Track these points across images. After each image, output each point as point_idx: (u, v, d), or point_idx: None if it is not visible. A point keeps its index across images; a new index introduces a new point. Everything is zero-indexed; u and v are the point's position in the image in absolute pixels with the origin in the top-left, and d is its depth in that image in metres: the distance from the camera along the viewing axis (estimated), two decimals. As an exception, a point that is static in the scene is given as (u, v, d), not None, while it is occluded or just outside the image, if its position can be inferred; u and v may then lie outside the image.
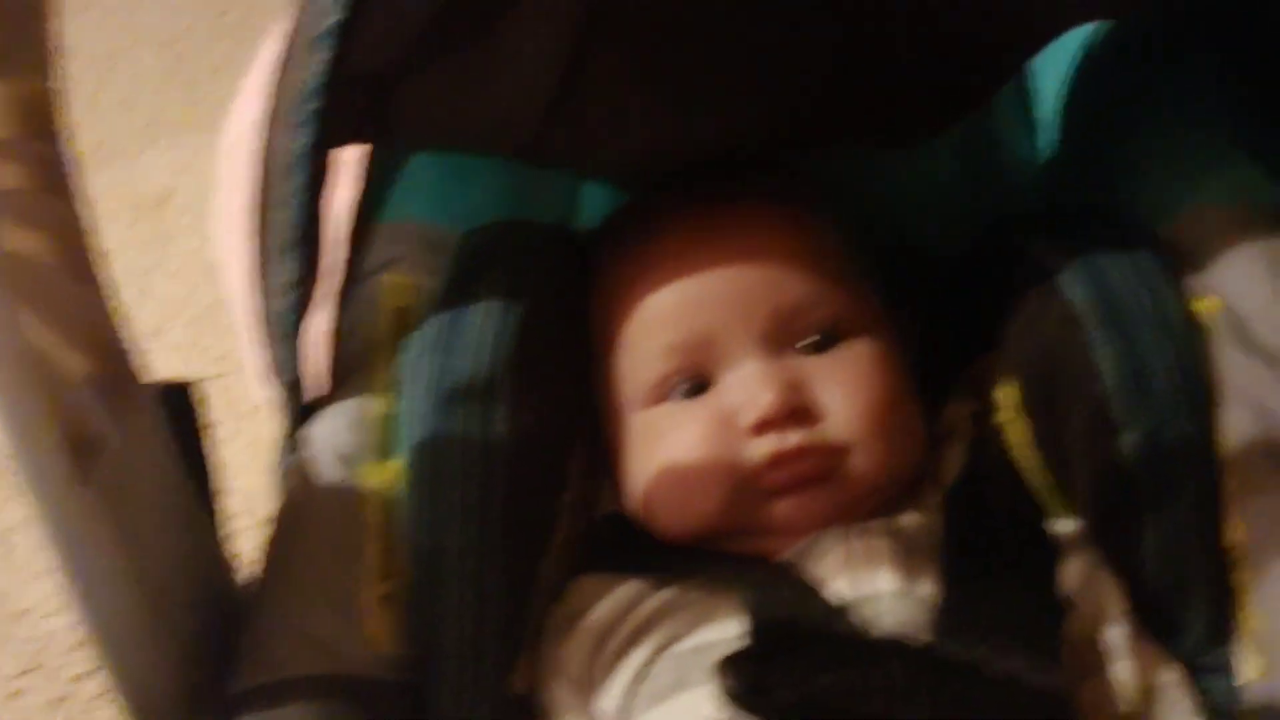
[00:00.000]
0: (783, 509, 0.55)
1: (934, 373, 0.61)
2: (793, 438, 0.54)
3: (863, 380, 0.56)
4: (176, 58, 1.71)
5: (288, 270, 0.54)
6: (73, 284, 0.46)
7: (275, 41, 1.08)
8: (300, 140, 0.51)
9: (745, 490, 0.55)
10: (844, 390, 0.55)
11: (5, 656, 0.93)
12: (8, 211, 0.41)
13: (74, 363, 0.46)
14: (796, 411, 0.55)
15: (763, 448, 0.55)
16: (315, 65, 0.50)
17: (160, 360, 1.23)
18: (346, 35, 0.49)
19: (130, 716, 0.51)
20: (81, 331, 0.47)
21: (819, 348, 0.57)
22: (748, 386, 0.55)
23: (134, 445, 0.49)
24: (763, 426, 0.54)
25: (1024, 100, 0.69)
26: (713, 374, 0.57)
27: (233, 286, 1.02)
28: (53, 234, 0.44)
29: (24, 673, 0.92)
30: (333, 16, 0.49)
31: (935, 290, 0.64)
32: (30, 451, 0.45)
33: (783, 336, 0.56)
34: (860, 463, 0.55)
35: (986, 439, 0.59)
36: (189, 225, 1.38)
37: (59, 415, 0.45)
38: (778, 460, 0.54)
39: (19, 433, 0.44)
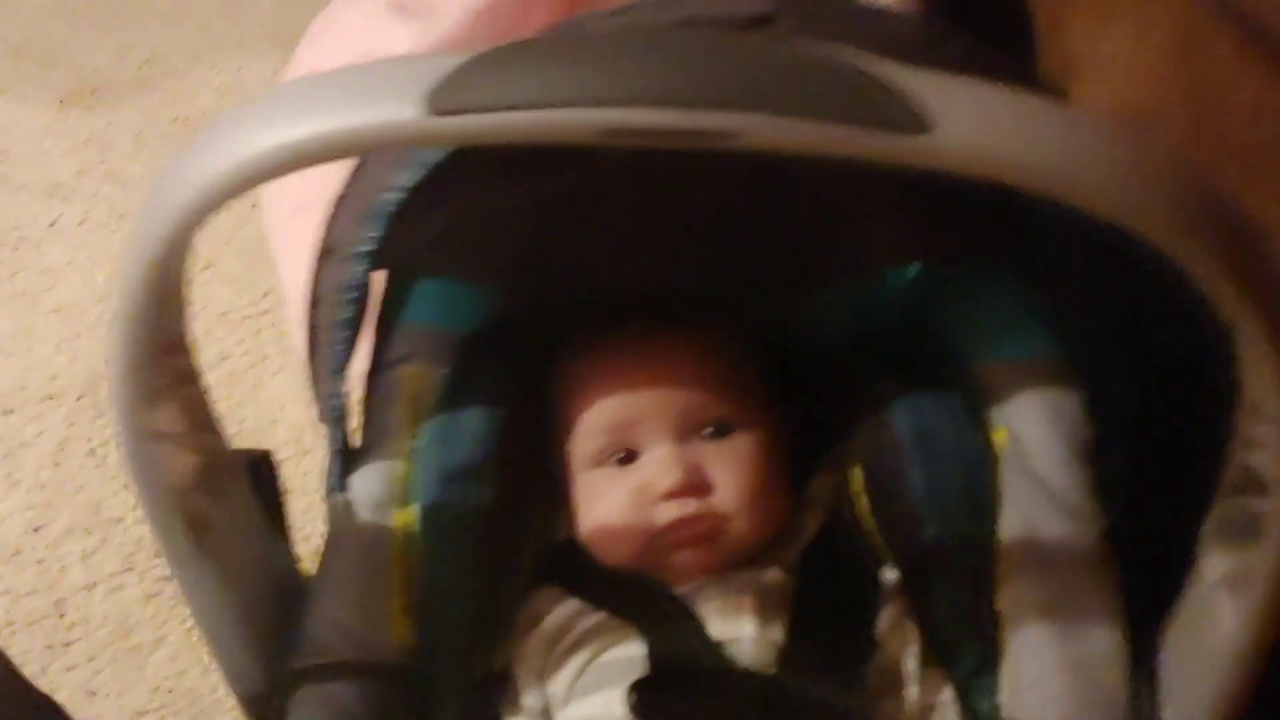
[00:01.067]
0: (681, 558, 0.77)
1: (810, 447, 0.83)
2: (690, 505, 0.76)
3: (744, 465, 0.77)
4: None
5: (340, 383, 0.76)
6: (196, 433, 0.67)
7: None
8: (345, 313, 0.74)
9: (655, 542, 0.77)
10: (730, 472, 0.77)
11: (105, 556, 1.14)
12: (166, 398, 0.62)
13: (187, 465, 0.68)
14: (694, 486, 0.76)
15: (669, 512, 0.76)
16: (354, 271, 0.71)
17: (214, 292, 1.39)
18: (374, 256, 0.70)
19: (229, 680, 0.76)
20: (192, 436, 0.68)
21: (715, 437, 0.78)
22: (660, 465, 0.77)
23: (231, 511, 0.70)
24: (669, 496, 0.76)
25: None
26: (637, 450, 0.78)
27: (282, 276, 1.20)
28: (191, 406, 0.65)
29: (123, 571, 1.13)
30: (366, 247, 0.69)
31: (817, 385, 0.85)
32: (163, 535, 0.66)
33: (688, 428, 0.78)
34: (738, 527, 0.77)
35: (840, 506, 0.81)
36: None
37: (180, 511, 0.67)
38: (679, 523, 0.76)
39: (155, 523, 0.66)
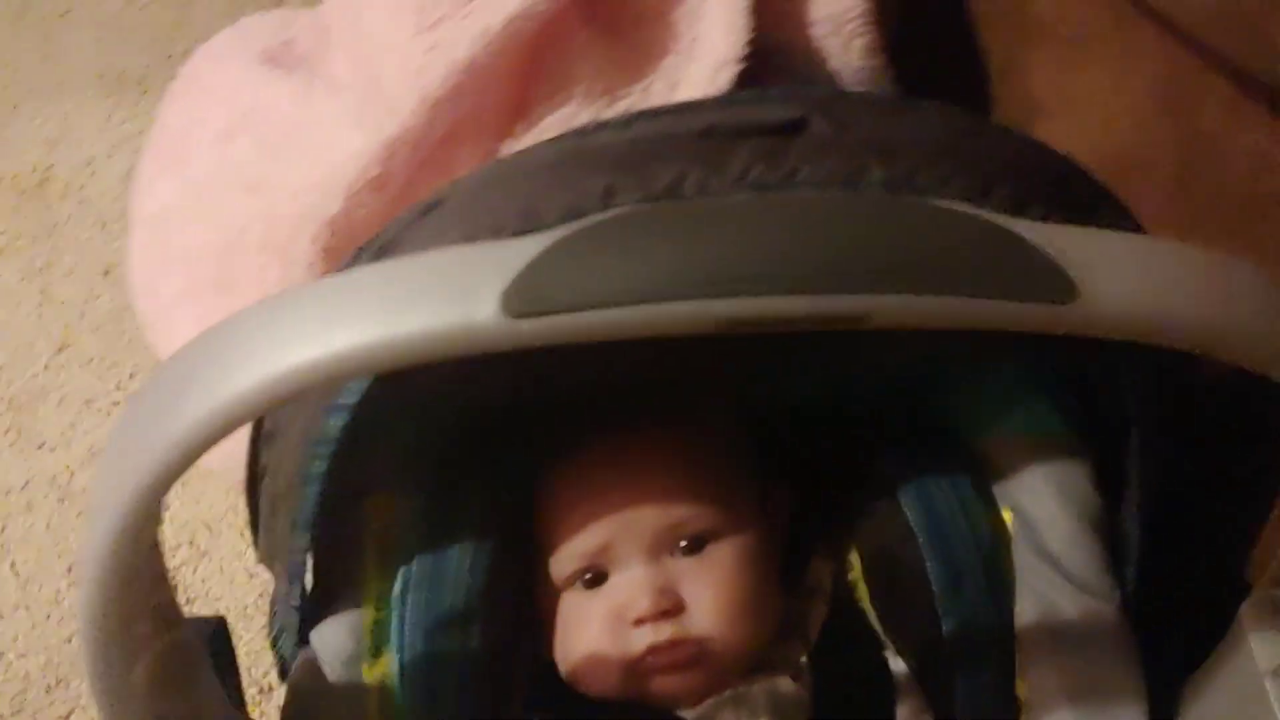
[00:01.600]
0: (663, 684, 0.71)
1: (804, 528, 0.78)
2: (665, 631, 0.70)
3: (723, 581, 0.71)
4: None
5: (303, 540, 0.67)
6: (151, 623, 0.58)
7: (176, 106, 1.11)
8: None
9: (634, 670, 0.71)
10: (707, 589, 0.71)
11: None
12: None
13: (154, 679, 0.59)
14: (667, 610, 0.70)
15: (643, 640, 0.70)
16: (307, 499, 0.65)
17: (74, 378, 1.27)
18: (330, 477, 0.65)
19: None
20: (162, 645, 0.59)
21: (690, 551, 0.72)
22: (631, 589, 0.71)
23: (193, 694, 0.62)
24: (641, 622, 0.70)
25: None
26: (609, 570, 0.72)
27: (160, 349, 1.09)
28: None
29: (12, 714, 1.01)
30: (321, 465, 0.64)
31: (808, 461, 0.80)
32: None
33: (662, 544, 0.72)
34: (720, 647, 0.71)
35: (841, 594, 0.77)
36: (76, 212, 1.37)
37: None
38: (653, 649, 0.70)
39: None
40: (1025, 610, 0.71)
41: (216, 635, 0.68)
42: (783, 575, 0.77)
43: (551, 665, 0.76)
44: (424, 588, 0.71)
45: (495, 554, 0.73)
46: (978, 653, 0.72)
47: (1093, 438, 0.73)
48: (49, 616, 1.07)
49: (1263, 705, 0.61)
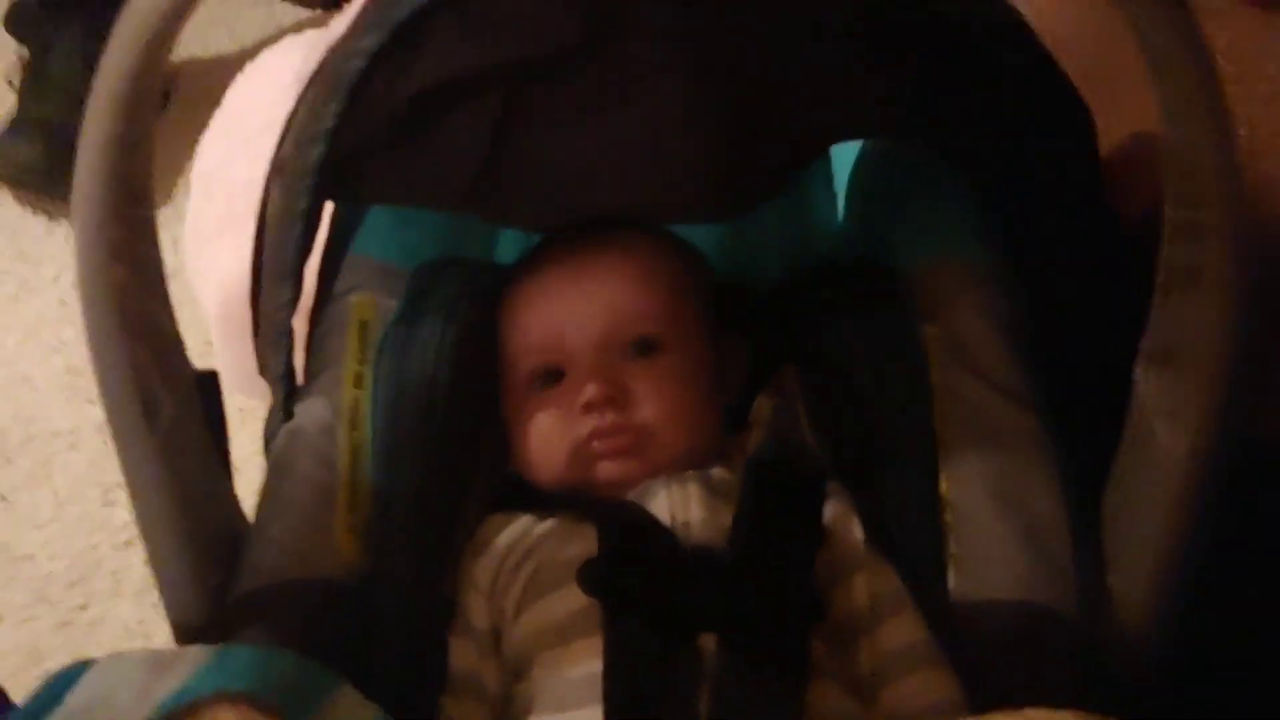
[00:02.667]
0: (606, 469, 0.77)
1: (753, 378, 0.85)
2: (609, 416, 0.76)
3: (667, 382, 0.77)
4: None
5: (287, 290, 0.76)
6: (150, 301, 0.67)
7: (242, 86, 1.26)
8: (301, 203, 0.74)
9: (580, 455, 0.77)
10: (651, 389, 0.77)
11: (15, 591, 1.11)
12: (120, 258, 0.62)
13: (143, 352, 0.67)
14: (613, 399, 0.76)
15: (588, 423, 0.76)
16: (314, 155, 0.72)
17: None
18: (336, 136, 0.72)
19: (168, 607, 0.73)
20: (150, 332, 0.68)
21: (639, 355, 0.78)
22: (581, 380, 0.77)
23: (181, 411, 0.70)
24: (588, 408, 0.76)
25: (828, 175, 0.94)
26: (564, 369, 0.78)
27: (207, 296, 1.20)
28: (141, 269, 0.66)
29: (35, 603, 1.10)
30: (328, 124, 0.71)
31: (757, 318, 0.87)
32: (118, 410, 0.66)
33: (612, 343, 0.78)
34: (660, 440, 0.76)
35: (783, 423, 0.83)
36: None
37: (137, 385, 0.66)
38: (597, 432, 0.76)
39: (112, 397, 0.66)
40: (949, 415, 0.77)
41: (207, 380, 0.75)
42: (732, 417, 0.83)
43: (507, 480, 0.82)
44: (395, 354, 0.79)
45: (460, 338, 0.80)
46: (901, 451, 0.78)
47: (1013, 261, 0.80)
48: (77, 530, 1.16)
49: (1149, 450, 0.66)
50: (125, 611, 1.09)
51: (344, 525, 0.76)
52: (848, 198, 0.91)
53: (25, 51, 1.63)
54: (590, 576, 0.70)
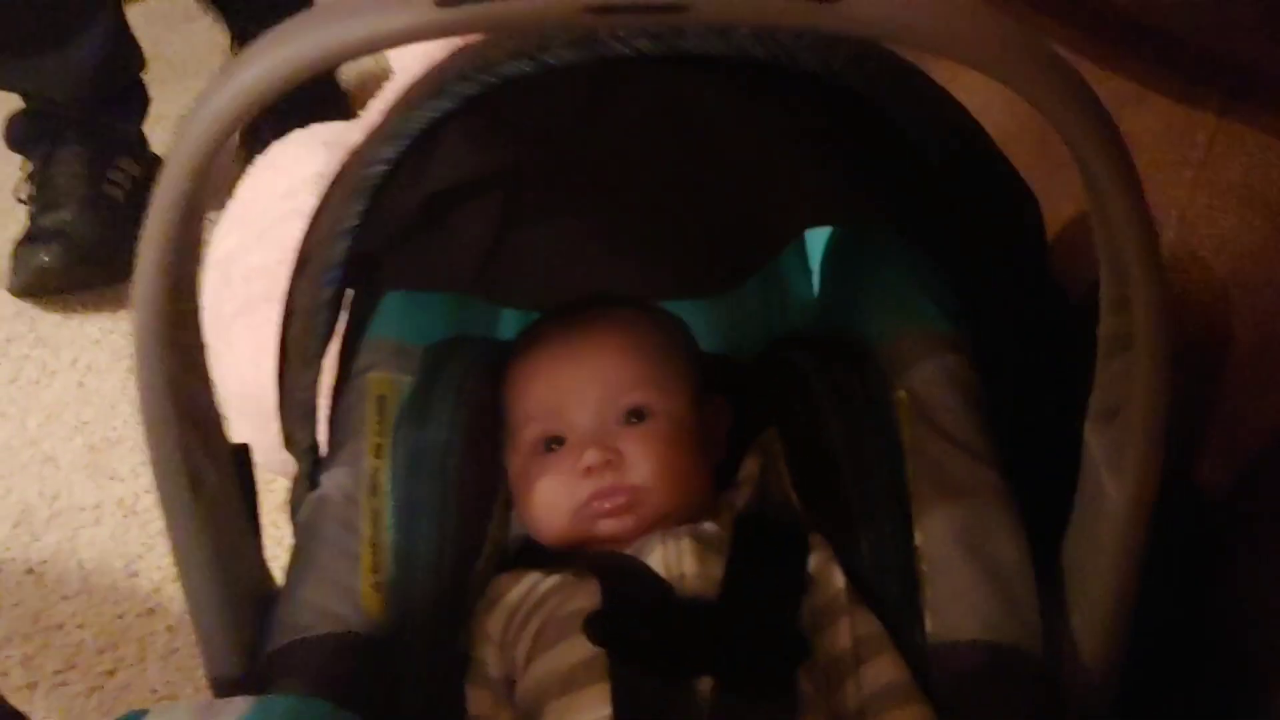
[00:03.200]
0: (605, 526, 0.84)
1: (738, 440, 0.93)
2: (607, 478, 0.83)
3: (657, 445, 0.84)
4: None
5: (313, 372, 0.84)
6: (195, 385, 0.74)
7: (252, 182, 1.33)
8: (326, 294, 0.82)
9: (581, 514, 0.84)
10: (643, 450, 0.84)
11: (46, 658, 1.17)
12: (172, 349, 0.70)
13: (190, 432, 0.74)
14: (610, 463, 0.83)
15: (589, 486, 0.83)
16: (339, 250, 0.80)
17: None
18: (359, 233, 0.80)
19: (207, 662, 0.80)
20: (196, 412, 0.75)
21: (632, 421, 0.85)
22: (582, 446, 0.84)
23: (221, 481, 0.77)
24: (588, 472, 0.83)
25: (803, 255, 1.03)
26: (565, 436, 0.86)
27: (223, 375, 1.27)
28: (188, 355, 0.73)
29: (65, 669, 1.15)
30: (352, 223, 0.79)
31: (741, 385, 0.95)
32: (168, 484, 0.72)
33: (607, 414, 0.85)
34: (654, 498, 0.84)
35: (768, 482, 0.90)
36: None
37: (185, 462, 0.73)
38: (596, 494, 0.83)
39: (163, 473, 0.72)
40: (919, 472, 0.84)
41: (241, 452, 0.82)
42: (720, 477, 0.91)
43: (515, 542, 0.89)
44: (410, 424, 0.87)
45: (471, 410, 0.88)
46: (875, 507, 0.84)
47: (970, 331, 0.88)
48: (105, 599, 1.22)
49: (1097, 500, 0.74)
50: (152, 676, 1.14)
51: (368, 584, 0.83)
52: (821, 274, 0.99)
53: (29, 164, 1.70)
54: (596, 626, 0.77)
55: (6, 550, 1.28)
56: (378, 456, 0.87)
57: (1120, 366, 0.69)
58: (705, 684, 0.75)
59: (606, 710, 0.73)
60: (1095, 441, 0.74)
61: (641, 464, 0.84)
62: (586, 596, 0.80)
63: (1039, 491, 0.83)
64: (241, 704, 0.67)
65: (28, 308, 1.63)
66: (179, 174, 0.63)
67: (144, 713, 0.68)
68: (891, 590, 0.83)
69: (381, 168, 0.79)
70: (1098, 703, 0.76)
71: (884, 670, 0.80)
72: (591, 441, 0.84)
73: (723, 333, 1.01)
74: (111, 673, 1.15)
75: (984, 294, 0.86)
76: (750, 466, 0.90)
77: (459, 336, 0.94)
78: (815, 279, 1.02)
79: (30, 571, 1.27)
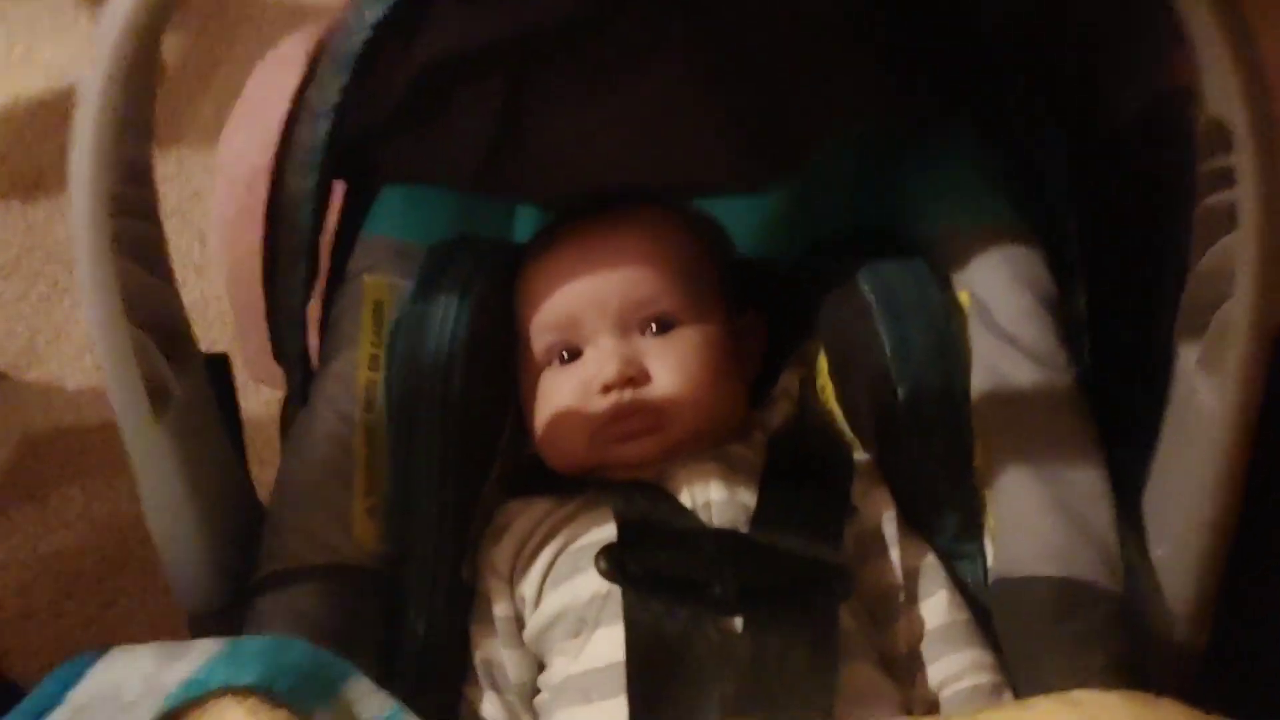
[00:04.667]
0: (623, 451, 0.75)
1: (776, 353, 0.82)
2: (627, 395, 0.74)
3: (684, 358, 0.75)
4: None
5: (300, 272, 0.75)
6: (152, 279, 0.66)
7: (262, 76, 1.25)
8: (310, 181, 0.72)
9: (598, 436, 0.74)
10: (668, 365, 0.75)
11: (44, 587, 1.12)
12: (121, 242, 0.61)
13: (146, 312, 0.64)
14: (630, 378, 0.74)
15: (607, 403, 0.74)
16: (321, 131, 0.70)
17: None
18: (342, 111, 0.70)
19: (181, 596, 0.72)
20: (155, 313, 0.66)
21: (657, 332, 0.76)
22: (600, 360, 0.75)
23: (189, 395, 0.68)
24: (606, 388, 0.74)
25: (848, 148, 0.91)
26: (581, 347, 0.76)
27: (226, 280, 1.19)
28: (143, 251, 0.64)
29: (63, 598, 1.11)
30: (333, 99, 0.70)
31: (778, 293, 0.85)
32: (123, 397, 0.64)
33: (629, 322, 0.76)
34: (680, 417, 0.74)
35: (807, 397, 0.80)
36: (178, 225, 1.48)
37: (142, 370, 0.64)
38: (615, 413, 0.74)
39: (117, 384, 0.64)
40: (979, 381, 0.74)
41: (218, 362, 0.74)
42: (756, 394, 0.81)
43: (526, 461, 0.80)
44: (409, 333, 0.77)
45: (475, 311, 0.78)
46: (930, 421, 0.74)
47: (1041, 225, 0.77)
48: (106, 527, 1.16)
49: (1190, 411, 0.63)
50: (152, 608, 1.09)
51: (361, 510, 0.74)
52: (870, 167, 0.88)
53: None
54: (610, 560, 0.68)
55: (7, 475, 1.22)
56: (373, 369, 0.78)
57: (1221, 252, 0.59)
58: (734, 623, 0.66)
59: (621, 654, 0.65)
60: (1187, 345, 0.64)
61: (666, 380, 0.75)
62: (602, 527, 0.72)
63: (1119, 407, 0.73)
64: (209, 647, 0.59)
65: (39, 222, 1.56)
66: (118, 37, 0.55)
67: (102, 653, 0.60)
68: (947, 518, 0.74)
69: (364, 34, 0.69)
70: (1187, 649, 0.66)
71: (938, 609, 0.71)
72: (611, 354, 0.75)
73: (759, 234, 0.89)
74: (110, 604, 1.08)
75: (1053, 179, 0.76)
76: (788, 380, 0.81)
77: (465, 236, 0.84)
78: (861, 173, 0.91)
79: (31, 497, 1.20)
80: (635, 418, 0.74)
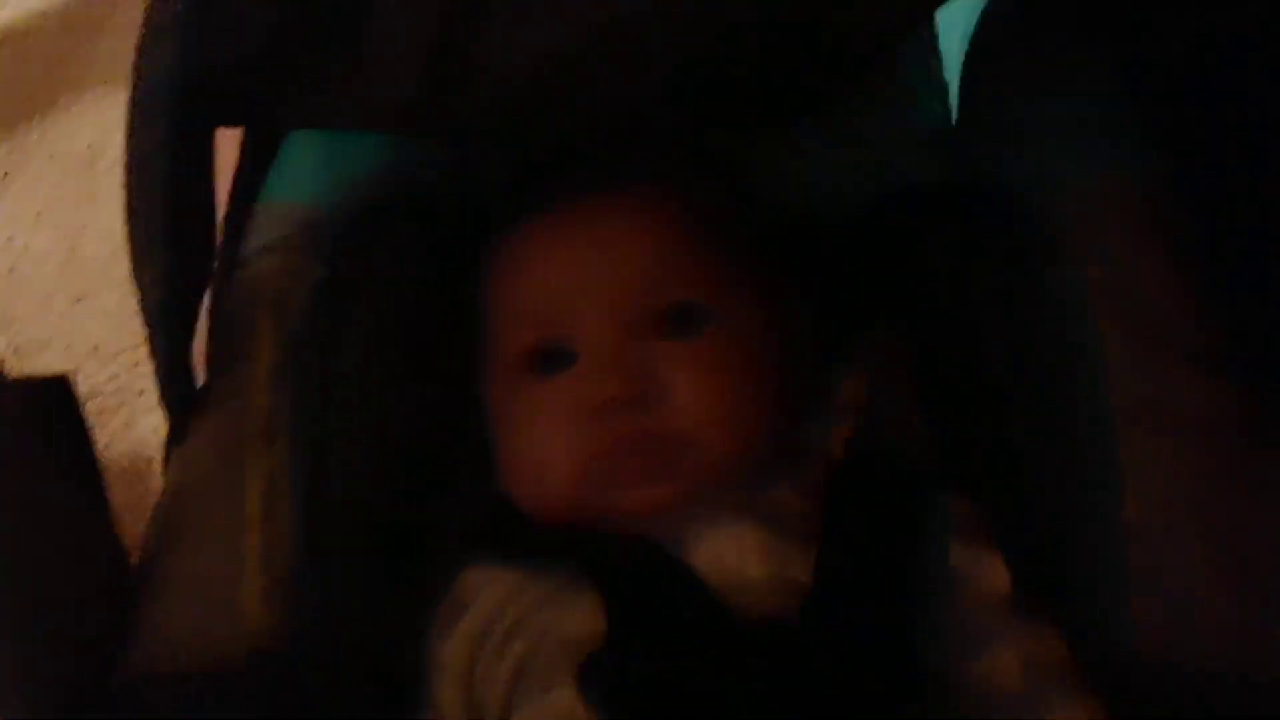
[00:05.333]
0: (628, 498, 0.54)
1: (827, 343, 0.61)
2: (636, 421, 0.53)
3: (715, 368, 0.54)
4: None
5: (159, 254, 0.53)
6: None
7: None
8: (160, 126, 0.50)
9: (592, 476, 0.54)
10: (693, 377, 0.54)
11: None
12: None
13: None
14: (641, 395, 0.53)
15: (606, 430, 0.53)
16: (164, 57, 0.48)
17: (86, 327, 1.24)
18: (190, 27, 0.48)
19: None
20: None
21: (678, 331, 0.55)
22: (595, 369, 0.54)
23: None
24: (606, 409, 0.53)
25: (924, 63, 0.68)
26: (575, 350, 0.56)
27: None
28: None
29: None
30: (176, 6, 0.47)
31: (829, 261, 0.63)
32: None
33: (640, 317, 0.55)
34: (704, 452, 0.54)
35: (876, 409, 0.58)
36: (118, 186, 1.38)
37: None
38: (617, 446, 0.53)
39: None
40: (1128, 398, 0.53)
41: (50, 392, 0.53)
42: (804, 400, 0.59)
43: (496, 504, 0.59)
44: (319, 352, 0.56)
45: (412, 313, 0.57)
46: (1057, 455, 0.54)
47: (1188, 178, 0.55)
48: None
49: None
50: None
51: (255, 590, 0.54)
52: (960, 89, 0.65)
53: None
54: (594, 676, 0.48)
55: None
56: (276, 389, 0.56)
57: None
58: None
59: None
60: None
61: (689, 398, 0.54)
62: (591, 614, 0.52)
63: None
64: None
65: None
66: None
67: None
68: (1079, 585, 0.54)
69: None
70: None
71: (1074, 722, 0.52)
72: (612, 362, 0.54)
73: (798, 186, 0.67)
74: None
75: (1215, 121, 0.55)
76: (852, 388, 0.59)
77: (400, 198, 0.62)
78: (942, 99, 0.67)
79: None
80: (644, 453, 0.54)
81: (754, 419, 0.55)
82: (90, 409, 1.10)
